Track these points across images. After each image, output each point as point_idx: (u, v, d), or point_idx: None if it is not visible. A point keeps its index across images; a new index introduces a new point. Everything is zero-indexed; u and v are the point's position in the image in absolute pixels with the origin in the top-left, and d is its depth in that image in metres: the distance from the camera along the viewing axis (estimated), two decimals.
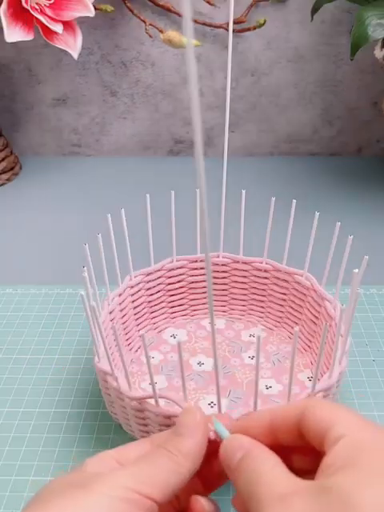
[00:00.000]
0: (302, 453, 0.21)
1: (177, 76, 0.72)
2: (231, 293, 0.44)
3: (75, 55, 0.58)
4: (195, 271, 0.43)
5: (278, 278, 0.41)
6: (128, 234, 0.38)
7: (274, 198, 0.38)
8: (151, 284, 0.42)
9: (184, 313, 0.45)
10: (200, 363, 0.40)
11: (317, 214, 0.37)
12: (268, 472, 0.19)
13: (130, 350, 0.41)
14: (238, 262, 0.42)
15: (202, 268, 0.43)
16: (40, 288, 0.50)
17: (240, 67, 0.71)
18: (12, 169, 0.73)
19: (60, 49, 0.58)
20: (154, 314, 0.43)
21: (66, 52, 0.58)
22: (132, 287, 0.40)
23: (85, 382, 0.40)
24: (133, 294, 0.41)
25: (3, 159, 0.71)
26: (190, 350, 0.41)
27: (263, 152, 0.77)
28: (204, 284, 0.43)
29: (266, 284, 0.42)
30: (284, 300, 0.42)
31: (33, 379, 0.41)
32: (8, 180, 0.72)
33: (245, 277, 0.43)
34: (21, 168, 0.75)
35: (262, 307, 0.44)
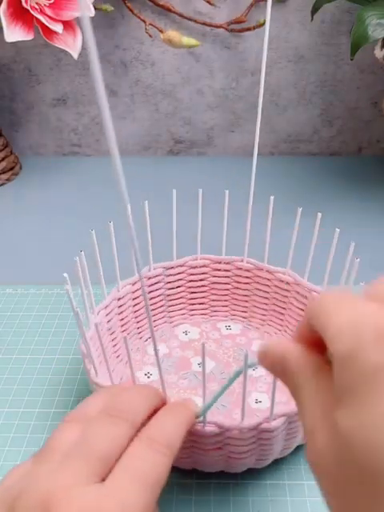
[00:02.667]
0: None
1: (177, 76, 0.72)
2: (253, 300, 0.43)
3: (75, 55, 0.58)
4: (218, 272, 0.43)
5: (299, 293, 0.40)
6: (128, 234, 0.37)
7: (273, 197, 0.38)
8: (171, 278, 0.42)
9: (203, 312, 0.44)
10: (200, 364, 0.40)
11: (319, 214, 0.36)
12: (305, 403, 0.18)
13: (141, 338, 0.42)
14: (261, 269, 0.41)
15: (226, 270, 0.42)
16: (40, 288, 0.50)
17: (240, 67, 0.71)
18: (12, 169, 0.73)
19: (60, 49, 0.58)
20: (171, 308, 0.43)
21: (65, 52, 0.58)
22: (150, 278, 0.41)
23: (85, 382, 0.40)
24: (151, 285, 0.41)
25: (3, 159, 0.71)
26: (196, 348, 0.41)
27: (263, 152, 0.77)
28: (226, 286, 0.43)
29: (286, 296, 0.41)
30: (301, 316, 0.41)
31: (33, 379, 0.41)
32: (8, 180, 0.72)
33: (267, 286, 0.42)
34: (21, 168, 0.75)
35: (281, 320, 0.43)
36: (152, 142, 0.78)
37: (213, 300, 0.44)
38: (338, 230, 0.35)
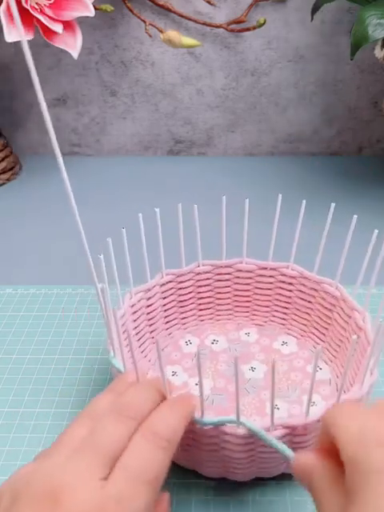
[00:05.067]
0: None
1: (177, 76, 0.72)
2: (255, 299, 0.43)
3: (75, 55, 0.58)
4: (220, 276, 0.42)
5: (305, 285, 0.40)
6: (130, 234, 0.37)
7: (280, 196, 0.38)
8: (182, 285, 0.41)
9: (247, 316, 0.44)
10: (215, 341, 0.42)
11: (332, 204, 0.36)
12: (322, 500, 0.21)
13: (154, 343, 0.41)
14: (265, 268, 0.41)
15: (227, 273, 0.42)
16: (40, 288, 0.50)
17: (240, 67, 0.71)
18: (12, 169, 0.73)
19: (60, 49, 0.58)
20: (183, 315, 0.43)
21: (65, 52, 0.58)
22: (161, 285, 0.40)
23: (85, 382, 0.40)
24: (163, 292, 0.41)
25: (3, 159, 0.71)
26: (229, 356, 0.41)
27: (263, 152, 0.77)
28: (228, 289, 0.43)
29: (291, 291, 0.41)
30: (311, 309, 0.41)
31: (33, 379, 0.41)
32: (8, 180, 0.72)
33: (270, 283, 0.42)
34: (21, 168, 0.75)
35: (285, 313, 0.43)
36: (152, 142, 0.78)
37: (218, 305, 0.44)
38: (355, 216, 0.35)
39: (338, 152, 0.78)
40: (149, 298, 0.39)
